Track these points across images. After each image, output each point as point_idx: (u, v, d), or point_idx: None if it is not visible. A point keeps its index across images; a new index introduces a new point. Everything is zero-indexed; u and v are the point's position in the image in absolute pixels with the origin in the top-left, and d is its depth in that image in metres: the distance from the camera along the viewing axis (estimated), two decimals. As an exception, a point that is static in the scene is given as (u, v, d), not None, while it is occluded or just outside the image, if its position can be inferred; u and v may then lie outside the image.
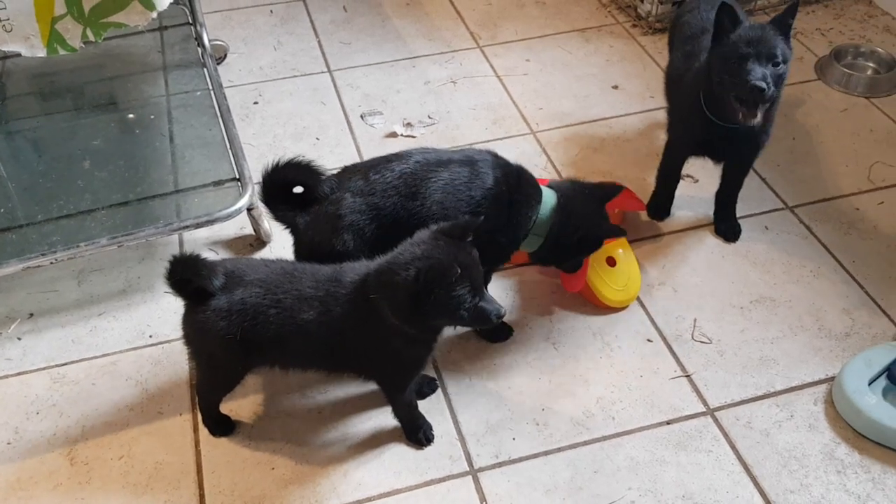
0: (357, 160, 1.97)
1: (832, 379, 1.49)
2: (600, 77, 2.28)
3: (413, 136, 2.07)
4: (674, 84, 1.76)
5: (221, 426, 1.44)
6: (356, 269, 1.26)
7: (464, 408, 1.47)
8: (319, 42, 2.43)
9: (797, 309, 1.63)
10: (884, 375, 1.46)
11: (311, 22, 2.52)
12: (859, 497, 1.32)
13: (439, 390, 1.49)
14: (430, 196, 1.34)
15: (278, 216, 1.39)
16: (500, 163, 1.45)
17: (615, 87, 2.24)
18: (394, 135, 2.07)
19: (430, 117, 2.13)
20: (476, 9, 2.58)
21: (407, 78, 2.28)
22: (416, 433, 1.41)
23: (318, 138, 2.07)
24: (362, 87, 2.24)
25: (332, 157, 2.00)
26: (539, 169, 1.97)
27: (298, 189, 1.38)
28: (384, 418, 1.44)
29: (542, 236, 1.45)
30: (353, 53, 2.38)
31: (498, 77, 2.29)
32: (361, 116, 2.14)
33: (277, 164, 1.35)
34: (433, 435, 1.42)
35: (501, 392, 1.49)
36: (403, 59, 2.36)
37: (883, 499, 1.32)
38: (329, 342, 1.26)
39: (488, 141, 2.06)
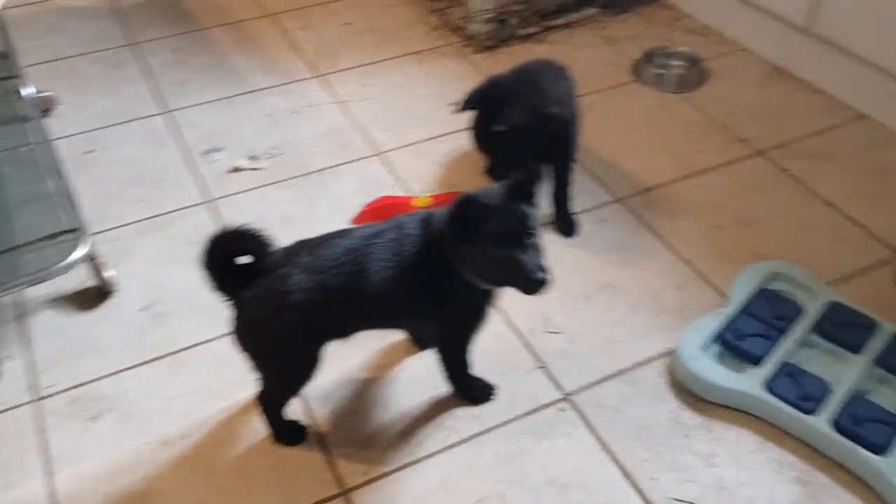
0: (201, 199, 1.98)
1: (672, 351, 1.61)
2: (438, 96, 2.37)
3: (259, 169, 2.08)
4: None
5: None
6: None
7: (332, 428, 1.49)
8: (154, 85, 2.40)
9: (636, 291, 1.75)
10: (715, 341, 1.59)
11: (144, 66, 2.49)
12: (705, 455, 1.44)
13: (306, 413, 1.51)
14: (372, 273, 1.29)
15: (220, 287, 1.28)
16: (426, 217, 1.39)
17: (452, 104, 2.33)
18: (238, 169, 2.08)
19: (274, 148, 2.15)
20: (312, 40, 2.62)
21: (248, 112, 2.29)
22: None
23: (158, 180, 2.05)
24: (202, 126, 2.23)
25: (175, 198, 1.98)
26: (388, 188, 2.02)
27: (244, 260, 1.28)
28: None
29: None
30: (190, 93, 2.36)
31: (340, 103, 2.34)
32: (203, 154, 2.13)
33: (223, 232, 1.25)
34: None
35: (368, 408, 1.52)
36: (243, 94, 2.36)
37: (725, 453, 1.44)
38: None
39: (336, 166, 2.10)
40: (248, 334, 1.30)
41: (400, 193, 1.98)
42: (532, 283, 1.24)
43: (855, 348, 1.56)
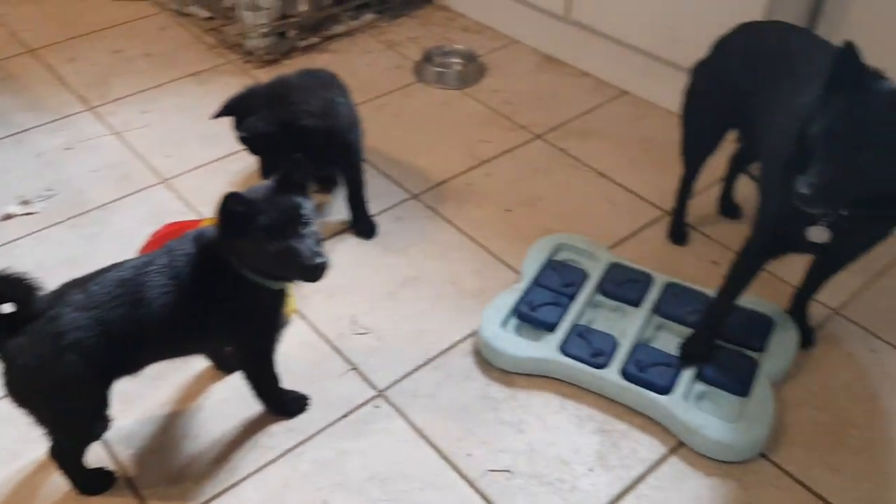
0: (-30, 250, 1.83)
1: (476, 332, 1.68)
2: (222, 115, 2.33)
3: (33, 213, 1.96)
4: None
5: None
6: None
7: (140, 469, 1.43)
8: None
9: (437, 281, 1.81)
10: (513, 315, 1.68)
11: None
12: (513, 424, 1.51)
13: (109, 457, 1.44)
14: (152, 300, 1.24)
15: None
16: (197, 235, 1.34)
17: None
18: (9, 216, 1.94)
19: (48, 190, 2.03)
20: (81, 72, 2.50)
21: (15, 155, 2.15)
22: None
23: (-81, 238, 1.88)
24: (-36, 175, 2.07)
25: (-60, 254, 1.83)
26: (177, 214, 1.96)
27: (7, 307, 1.19)
28: None
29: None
30: (-52, 141, 2.19)
31: (117, 134, 2.24)
32: (-32, 205, 1.98)
33: None
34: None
35: (176, 442, 1.47)
36: (7, 137, 2.21)
37: (532, 419, 1.52)
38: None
39: (118, 199, 2.01)
40: (22, 386, 1.22)
41: (190, 218, 1.93)
42: (310, 269, 1.24)
43: (635, 302, 1.69)
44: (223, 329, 1.35)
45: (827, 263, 1.58)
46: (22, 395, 1.23)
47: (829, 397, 1.56)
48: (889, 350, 1.66)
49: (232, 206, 1.22)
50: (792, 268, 1.79)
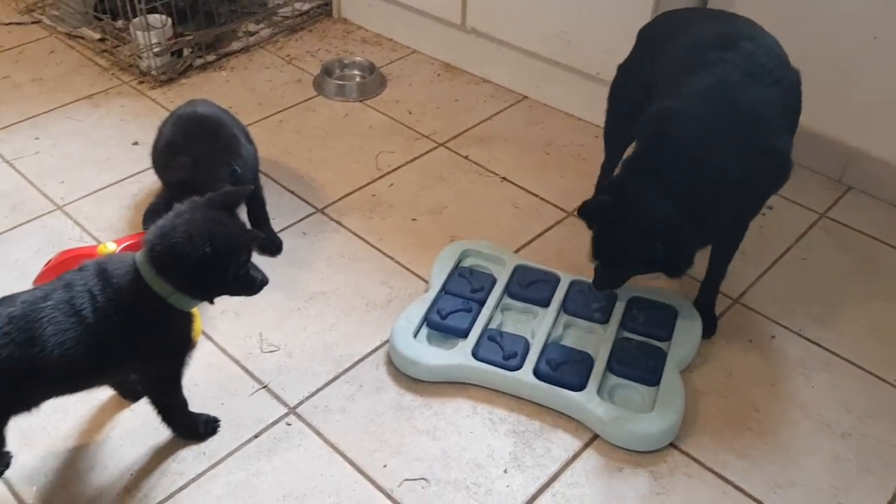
0: None
1: (387, 342, 1.68)
2: (118, 137, 2.27)
3: (-83, 248, 1.87)
4: None
5: None
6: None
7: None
8: None
9: (345, 293, 1.80)
10: (424, 324, 1.68)
11: None
12: (428, 431, 1.52)
13: (12, 497, 1.38)
14: (48, 339, 1.18)
15: None
16: (100, 267, 1.29)
17: (136, 143, 2.24)
18: None
19: (-67, 223, 1.94)
20: (-36, 99, 2.40)
21: None
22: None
23: None
24: None
25: None
26: (75, 241, 1.90)
27: None
28: None
29: (174, 290, 1.28)
30: None
31: (7, 162, 2.16)
32: None
33: None
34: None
35: (83, 475, 1.42)
36: None
37: (446, 425, 1.53)
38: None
39: (11, 229, 1.94)
40: None
41: (85, 244, 1.87)
42: (261, 288, 1.37)
43: (543, 302, 1.73)
44: (132, 359, 1.31)
45: (718, 250, 1.66)
46: None
47: (733, 384, 1.63)
48: (787, 334, 1.74)
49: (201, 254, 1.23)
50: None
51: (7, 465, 1.27)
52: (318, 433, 1.51)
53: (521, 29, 2.39)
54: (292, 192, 2.09)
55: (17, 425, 1.25)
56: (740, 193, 1.49)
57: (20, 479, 1.41)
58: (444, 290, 1.74)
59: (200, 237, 1.23)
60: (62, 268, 1.65)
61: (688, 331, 1.65)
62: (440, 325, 1.67)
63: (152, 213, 1.67)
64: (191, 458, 1.46)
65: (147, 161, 2.06)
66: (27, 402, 1.25)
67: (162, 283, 1.25)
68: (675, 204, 1.43)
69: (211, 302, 1.33)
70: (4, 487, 1.39)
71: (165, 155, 1.79)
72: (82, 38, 2.71)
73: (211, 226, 1.25)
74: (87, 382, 1.35)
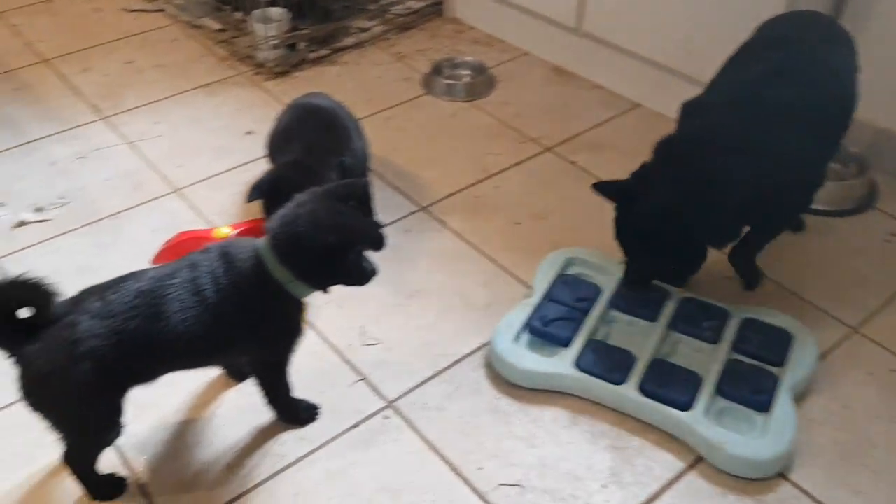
0: (-17, 258, 1.84)
1: (486, 345, 1.67)
2: (233, 126, 2.34)
3: (46, 220, 1.96)
4: None
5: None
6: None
7: (153, 475, 1.42)
8: (-83, 144, 2.21)
9: (445, 293, 1.80)
10: (525, 330, 1.66)
11: None
12: (525, 438, 1.50)
13: (122, 464, 1.43)
14: (172, 315, 1.23)
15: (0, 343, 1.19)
16: (223, 251, 1.33)
17: (249, 133, 2.31)
18: (23, 223, 1.95)
19: (62, 198, 2.03)
20: (93, 82, 2.51)
21: (28, 163, 2.16)
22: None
23: (-67, 246, 1.89)
24: (-22, 183, 2.08)
25: (-48, 261, 1.84)
26: (189, 223, 1.97)
27: (24, 312, 1.18)
28: None
29: (294, 278, 1.30)
30: (-40, 149, 2.20)
31: (129, 144, 2.25)
32: (-19, 212, 1.98)
33: (2, 283, 1.16)
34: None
35: (189, 449, 1.47)
36: (21, 146, 2.22)
37: (544, 434, 1.51)
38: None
39: (131, 208, 2.02)
40: (37, 391, 1.22)
41: (200, 227, 1.93)
42: (371, 278, 1.39)
43: (650, 317, 1.68)
44: (246, 342, 1.35)
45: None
46: (36, 400, 1.23)
47: (849, 416, 1.54)
48: (908, 369, 1.65)
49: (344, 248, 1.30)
50: (795, 273, 1.80)
51: (120, 434, 1.32)
52: (415, 429, 1.51)
53: (639, 35, 2.34)
54: (397, 189, 2.11)
55: (132, 397, 1.30)
56: (751, 187, 1.51)
57: (131, 447, 1.46)
58: (548, 297, 1.72)
59: (324, 226, 1.26)
60: (179, 248, 1.73)
61: (804, 357, 1.58)
62: (542, 332, 1.64)
63: (258, 189, 1.74)
64: (291, 441, 1.48)
65: (259, 150, 2.12)
66: (148, 375, 1.30)
67: (283, 270, 1.28)
68: (682, 190, 1.51)
69: (325, 291, 1.35)
70: (116, 453, 1.45)
71: (281, 138, 1.86)
72: (203, 27, 2.81)
73: (333, 215, 1.28)
74: (203, 360, 1.39)
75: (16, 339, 1.19)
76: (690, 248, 1.59)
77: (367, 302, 1.77)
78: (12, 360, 1.20)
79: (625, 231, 1.61)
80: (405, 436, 1.50)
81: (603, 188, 1.62)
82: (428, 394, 1.58)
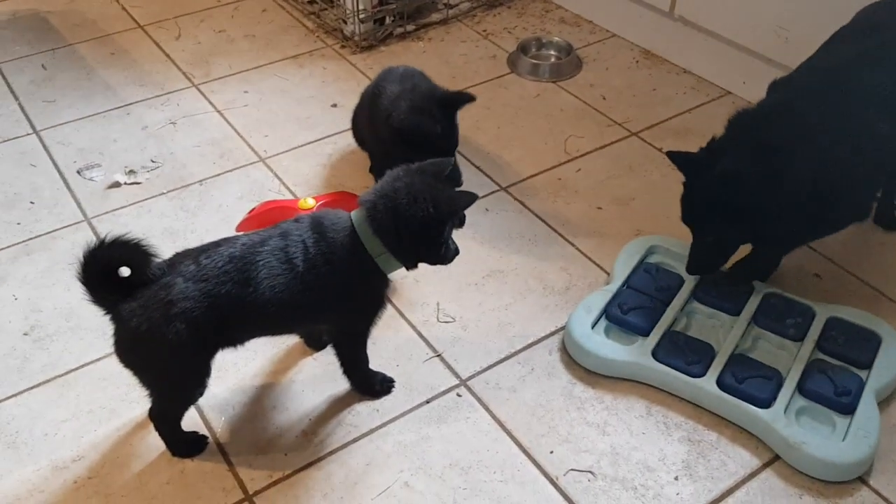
0: (79, 217, 1.92)
1: (562, 329, 1.66)
2: (319, 98, 2.37)
3: (138, 183, 2.03)
4: None
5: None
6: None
7: (231, 436, 1.47)
8: (20, 104, 2.30)
9: (523, 275, 1.80)
10: (603, 317, 1.65)
11: (8, 85, 2.38)
12: (598, 425, 1.49)
13: (202, 423, 1.48)
14: (261, 281, 1.27)
15: (98, 300, 1.23)
16: (316, 221, 1.35)
17: (334, 106, 2.33)
18: (117, 185, 2.02)
19: (153, 161, 2.10)
20: (185, 49, 2.57)
21: (122, 126, 2.23)
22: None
23: (32, 202, 1.97)
24: (75, 143, 2.16)
25: (50, 219, 1.91)
26: (273, 193, 2.01)
27: (124, 271, 1.23)
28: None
29: (385, 250, 1.33)
30: (60, 110, 2.28)
31: (218, 112, 2.30)
32: (78, 172, 2.06)
33: (102, 242, 1.19)
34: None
35: (267, 413, 1.51)
36: (116, 109, 2.30)
37: (617, 422, 1.50)
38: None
39: (218, 175, 2.07)
40: (131, 348, 1.27)
41: (284, 197, 1.97)
42: (454, 257, 1.41)
43: (733, 311, 1.65)
44: (330, 311, 1.37)
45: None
46: (129, 357, 1.28)
47: (933, 424, 1.49)
48: None
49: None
50: (885, 273, 1.73)
51: (202, 394, 1.37)
52: (487, 408, 1.52)
53: (734, 20, 2.27)
54: (478, 168, 2.11)
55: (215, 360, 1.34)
56: (819, 166, 1.49)
57: (211, 408, 1.51)
58: (628, 284, 1.70)
59: (424, 199, 1.28)
60: (264, 217, 1.76)
61: (891, 360, 1.53)
62: (621, 319, 1.63)
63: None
64: (365, 412, 1.51)
65: (344, 123, 2.14)
66: (237, 338, 1.34)
67: (376, 241, 1.30)
68: (749, 157, 1.47)
69: (412, 266, 1.36)
70: (197, 413, 1.50)
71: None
72: (293, -1, 2.84)
73: (430, 189, 1.30)
74: (288, 327, 1.43)
75: (114, 297, 1.23)
76: (753, 222, 1.52)
77: (444, 279, 1.78)
78: (109, 316, 1.25)
79: (690, 204, 1.58)
80: (477, 415, 1.51)
81: (674, 156, 1.59)
82: (501, 374, 1.59)
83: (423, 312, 1.71)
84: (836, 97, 1.52)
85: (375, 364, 1.55)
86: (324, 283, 1.30)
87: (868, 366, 1.52)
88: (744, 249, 1.67)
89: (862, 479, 1.40)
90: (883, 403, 1.50)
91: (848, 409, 1.45)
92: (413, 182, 1.31)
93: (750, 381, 1.48)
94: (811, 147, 1.48)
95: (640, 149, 2.17)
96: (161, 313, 1.22)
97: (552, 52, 2.55)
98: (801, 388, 1.49)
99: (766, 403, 1.45)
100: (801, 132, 1.49)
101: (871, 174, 1.60)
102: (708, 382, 1.49)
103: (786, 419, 1.43)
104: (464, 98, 1.81)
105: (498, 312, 1.71)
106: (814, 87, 1.56)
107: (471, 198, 1.34)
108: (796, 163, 1.47)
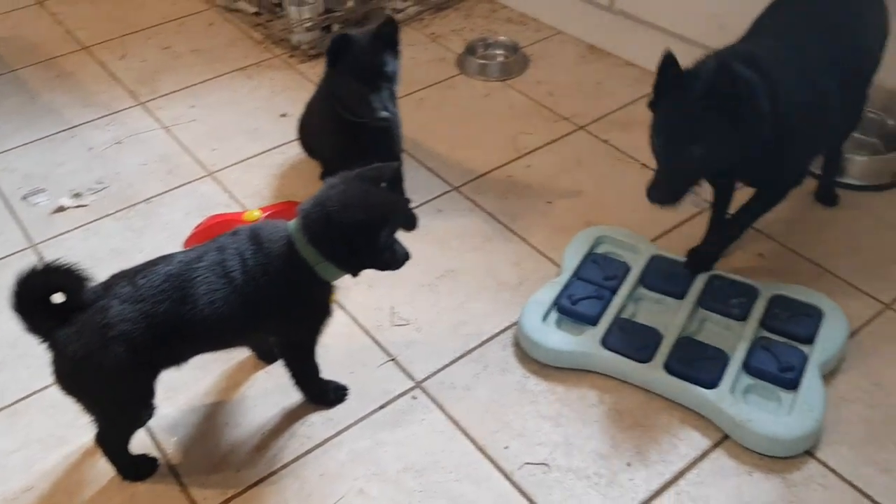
0: (25, 244, 1.90)
1: (515, 324, 1.67)
2: (267, 108, 2.36)
3: (84, 205, 2.01)
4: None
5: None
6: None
7: (183, 456, 1.46)
8: (-36, 133, 2.28)
9: (476, 273, 1.81)
10: (554, 309, 1.66)
11: (-49, 114, 2.36)
12: (552, 417, 1.50)
13: (153, 445, 1.47)
14: (200, 297, 1.26)
15: (34, 328, 1.21)
16: (253, 233, 1.35)
17: (283, 115, 2.33)
18: (62, 209, 2.00)
19: (99, 182, 2.08)
20: (131, 67, 2.56)
21: (68, 149, 2.21)
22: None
23: (-23, 230, 1.95)
24: (20, 169, 2.14)
25: (-5, 247, 1.90)
26: (223, 206, 2.00)
27: (58, 297, 1.22)
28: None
29: (323, 259, 1.32)
30: (4, 137, 2.26)
31: (165, 128, 2.29)
32: (23, 198, 2.04)
33: (34, 269, 1.18)
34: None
35: (219, 430, 1.50)
36: (61, 132, 2.28)
37: (570, 413, 1.51)
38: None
39: (165, 192, 2.06)
40: (70, 375, 1.25)
41: (232, 210, 1.96)
42: (404, 262, 1.39)
43: (678, 295, 1.66)
44: (273, 323, 1.37)
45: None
46: (69, 383, 1.27)
47: (880, 395, 1.51)
48: (944, 346, 1.60)
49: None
50: (827, 249, 1.76)
51: (151, 416, 1.36)
52: (442, 409, 1.52)
53: (671, 11, 2.30)
54: (429, 169, 2.11)
55: (162, 380, 1.33)
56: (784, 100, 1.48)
57: (162, 429, 1.50)
58: (577, 275, 1.71)
59: (354, 205, 1.28)
60: (210, 231, 1.76)
61: (833, 333, 1.55)
62: (570, 310, 1.64)
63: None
64: (319, 422, 1.51)
65: (294, 133, 2.14)
66: (177, 357, 1.33)
67: (312, 250, 1.30)
68: (733, 62, 1.44)
69: (354, 274, 1.36)
70: (147, 435, 1.49)
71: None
72: (239, 11, 2.83)
73: (363, 195, 1.29)
74: (230, 341, 1.42)
75: (49, 323, 1.22)
76: (741, 136, 1.45)
77: (397, 283, 1.78)
78: (46, 344, 1.24)
79: (669, 122, 1.50)
80: (432, 416, 1.51)
81: (669, 64, 1.52)
82: (456, 374, 1.59)
83: (376, 317, 1.71)
84: (790, 53, 1.55)
85: (329, 372, 1.54)
86: (263, 295, 1.30)
87: (811, 340, 1.55)
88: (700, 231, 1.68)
89: (809, 453, 1.42)
90: (828, 377, 1.52)
91: (792, 385, 1.47)
92: (347, 189, 1.30)
93: (696, 363, 1.50)
94: (784, 83, 1.48)
95: (588, 142, 2.18)
96: (98, 337, 1.21)
97: (499, 52, 2.56)
98: (747, 367, 1.51)
99: (712, 384, 1.47)
100: (772, 68, 1.48)
101: (819, 128, 1.61)
102: (655, 367, 1.51)
103: (732, 398, 1.44)
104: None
105: (452, 312, 1.72)
106: (769, 43, 1.58)
107: (403, 203, 1.35)
108: (781, 88, 1.47)
